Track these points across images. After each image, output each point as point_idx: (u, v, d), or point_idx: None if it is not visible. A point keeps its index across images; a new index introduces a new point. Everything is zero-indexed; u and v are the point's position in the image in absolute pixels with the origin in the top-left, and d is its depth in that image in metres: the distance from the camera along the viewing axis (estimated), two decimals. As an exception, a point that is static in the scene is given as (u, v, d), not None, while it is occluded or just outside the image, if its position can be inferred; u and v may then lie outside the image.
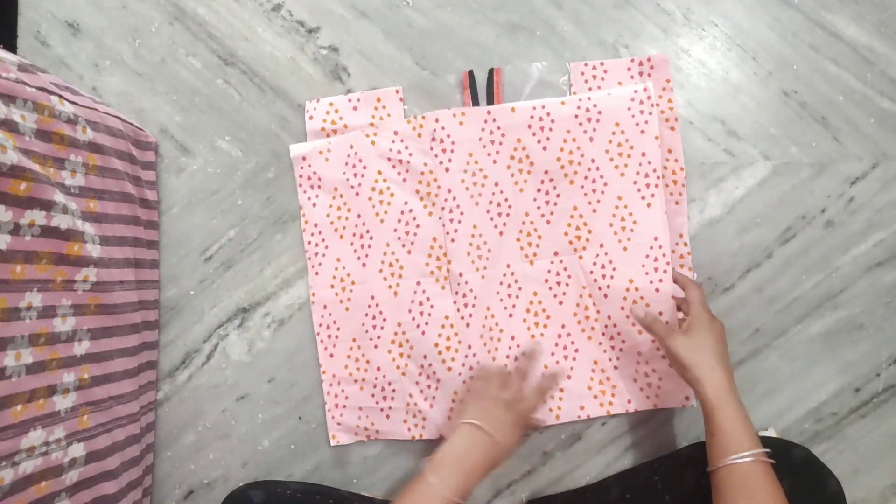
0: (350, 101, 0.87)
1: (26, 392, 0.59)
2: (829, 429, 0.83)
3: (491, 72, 0.85)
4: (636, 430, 0.84)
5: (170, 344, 0.88)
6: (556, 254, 0.83)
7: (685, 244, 0.82)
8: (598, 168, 0.82)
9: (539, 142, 0.83)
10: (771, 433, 0.81)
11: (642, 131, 0.81)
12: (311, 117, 0.87)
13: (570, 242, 0.82)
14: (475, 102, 0.85)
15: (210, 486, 0.87)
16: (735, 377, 0.82)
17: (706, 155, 0.85)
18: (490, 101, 0.85)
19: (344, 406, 0.85)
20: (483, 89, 0.85)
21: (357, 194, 0.86)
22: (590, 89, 0.84)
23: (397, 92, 0.86)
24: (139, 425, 0.79)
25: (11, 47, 0.91)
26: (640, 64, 0.84)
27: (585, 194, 0.82)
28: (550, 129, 0.82)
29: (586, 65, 0.84)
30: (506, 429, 0.70)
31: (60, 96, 0.67)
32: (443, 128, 0.84)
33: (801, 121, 0.84)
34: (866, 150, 0.84)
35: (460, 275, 0.83)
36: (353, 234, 0.86)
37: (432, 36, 0.88)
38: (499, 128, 0.83)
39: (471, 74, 0.85)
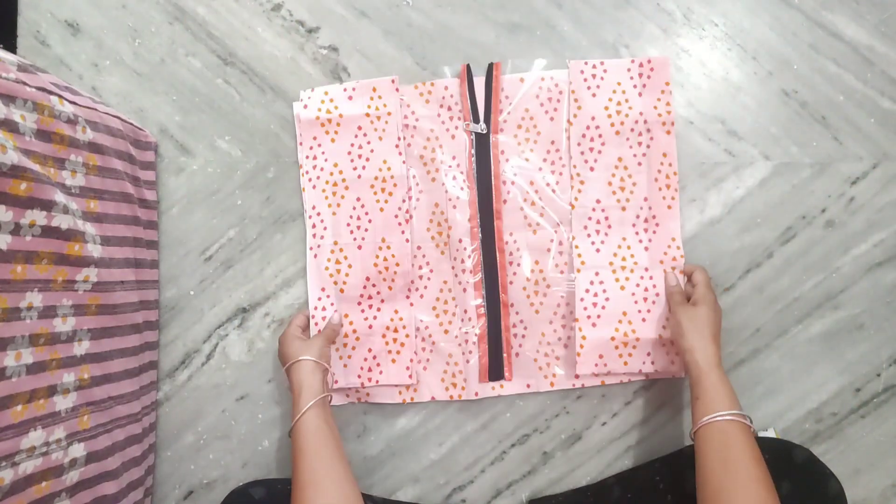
0: (345, 90, 0.87)
1: (26, 392, 0.59)
2: (829, 429, 0.83)
3: (490, 66, 0.85)
4: (636, 430, 0.84)
5: (170, 344, 0.88)
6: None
7: (678, 247, 0.82)
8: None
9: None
10: (771, 433, 0.82)
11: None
12: (305, 106, 0.87)
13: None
14: (471, 96, 0.85)
15: (210, 486, 0.87)
16: (735, 377, 0.83)
17: (706, 155, 0.85)
18: (489, 96, 0.85)
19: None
20: (481, 86, 0.86)
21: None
22: (588, 88, 0.84)
23: (393, 81, 0.86)
24: (141, 425, 0.79)
25: (11, 47, 0.90)
26: (641, 65, 0.84)
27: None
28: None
29: (586, 63, 0.85)
30: (303, 347, 0.78)
31: (60, 96, 0.67)
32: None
33: (801, 121, 0.84)
34: (866, 150, 0.84)
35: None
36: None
37: (432, 36, 0.88)
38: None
39: (468, 68, 0.85)
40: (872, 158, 0.84)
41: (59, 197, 0.63)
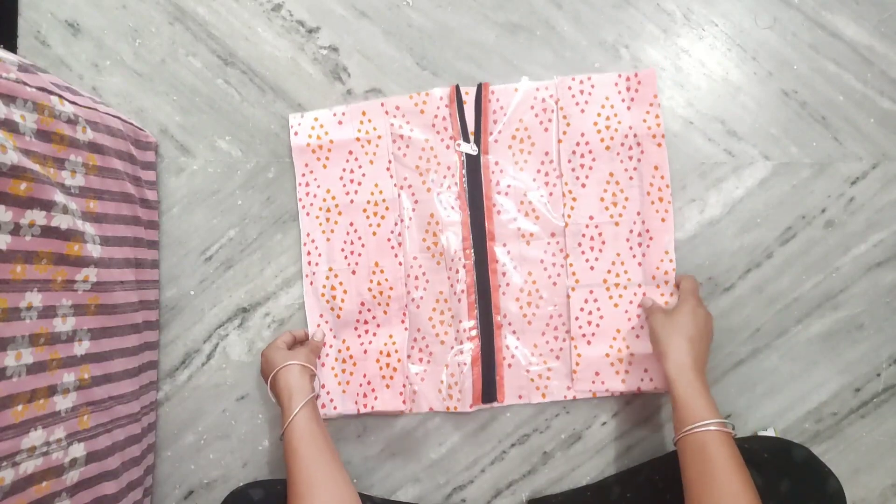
0: (335, 115, 0.87)
1: (27, 392, 0.59)
2: (829, 429, 0.83)
3: (479, 87, 0.85)
4: (636, 430, 0.84)
5: (170, 344, 0.88)
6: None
7: (671, 260, 0.82)
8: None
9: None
10: (771, 433, 0.82)
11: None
12: (295, 133, 0.87)
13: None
14: (461, 117, 0.85)
15: (210, 486, 0.87)
16: (735, 377, 0.83)
17: (706, 155, 0.85)
18: (478, 117, 0.85)
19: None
20: (472, 105, 0.85)
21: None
22: (577, 104, 0.84)
23: (382, 105, 0.86)
24: (140, 425, 0.79)
25: (11, 47, 0.91)
26: (628, 79, 0.84)
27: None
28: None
29: (573, 79, 0.84)
30: (291, 355, 0.79)
31: (60, 96, 0.67)
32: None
33: (801, 121, 0.84)
34: (866, 150, 0.84)
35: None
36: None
37: (432, 36, 0.88)
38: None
39: (457, 88, 0.85)
40: (872, 158, 0.84)
41: (59, 197, 0.63)
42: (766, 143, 0.84)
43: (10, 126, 0.59)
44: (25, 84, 0.61)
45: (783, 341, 0.84)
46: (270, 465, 0.87)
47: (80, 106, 0.71)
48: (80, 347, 0.68)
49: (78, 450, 0.65)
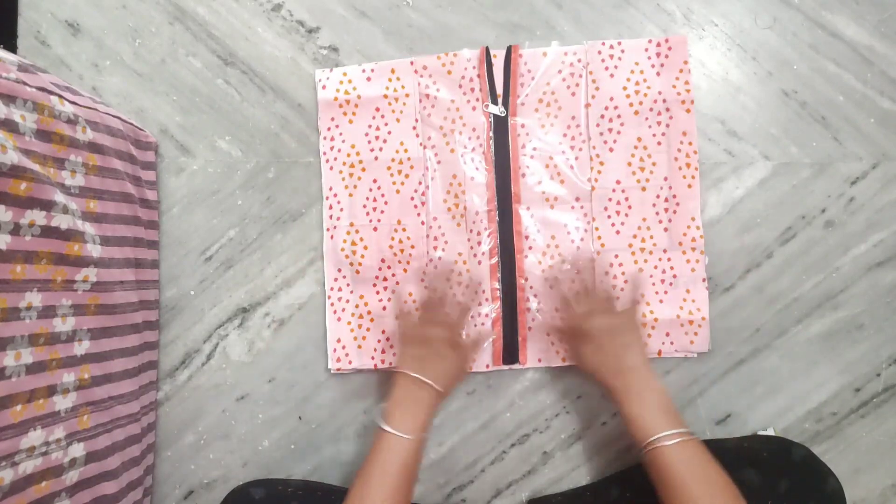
0: (364, 71, 0.87)
1: (26, 392, 0.59)
2: (829, 429, 0.83)
3: (509, 49, 0.86)
4: (636, 430, 0.84)
5: (170, 344, 0.88)
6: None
7: (697, 227, 0.82)
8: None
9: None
10: (771, 433, 0.82)
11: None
12: (323, 87, 0.87)
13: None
14: (490, 79, 0.85)
15: (210, 486, 0.87)
16: (735, 377, 0.83)
17: (706, 155, 0.85)
18: (507, 79, 0.85)
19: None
20: (500, 67, 0.86)
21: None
22: (606, 68, 0.84)
23: (412, 64, 0.86)
24: (140, 425, 0.79)
25: (11, 47, 0.91)
26: (658, 45, 0.84)
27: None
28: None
29: (603, 44, 0.85)
30: (447, 377, 0.72)
31: (60, 96, 0.67)
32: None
33: (801, 121, 0.84)
34: (866, 150, 0.84)
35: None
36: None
37: (432, 36, 0.88)
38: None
39: (487, 50, 0.85)
40: (872, 158, 0.84)
41: (59, 197, 0.63)
42: (766, 143, 0.84)
43: (10, 126, 0.59)
44: (25, 84, 0.62)
45: (783, 341, 0.84)
46: (270, 465, 0.87)
47: (80, 106, 0.71)
48: (80, 347, 0.68)
49: (77, 450, 0.65)
